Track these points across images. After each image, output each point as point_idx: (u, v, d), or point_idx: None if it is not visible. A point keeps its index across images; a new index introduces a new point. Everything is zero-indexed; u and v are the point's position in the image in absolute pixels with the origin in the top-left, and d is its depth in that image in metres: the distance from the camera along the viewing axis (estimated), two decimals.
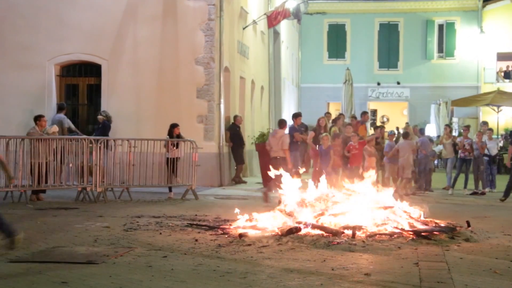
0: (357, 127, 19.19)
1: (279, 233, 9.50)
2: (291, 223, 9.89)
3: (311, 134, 18.01)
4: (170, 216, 11.93)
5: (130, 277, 6.98)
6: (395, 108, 39.26)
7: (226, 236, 9.68)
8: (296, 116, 18.73)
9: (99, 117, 17.03)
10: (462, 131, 20.49)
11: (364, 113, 20.56)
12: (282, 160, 14.54)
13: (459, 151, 18.78)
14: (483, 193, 18.09)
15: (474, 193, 18.04)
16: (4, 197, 13.80)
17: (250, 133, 21.71)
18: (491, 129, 20.16)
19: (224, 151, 18.91)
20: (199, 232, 10.07)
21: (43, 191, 14.38)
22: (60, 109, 17.19)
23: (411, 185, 17.76)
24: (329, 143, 16.20)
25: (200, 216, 12.07)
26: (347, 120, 20.80)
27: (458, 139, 19.55)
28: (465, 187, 18.39)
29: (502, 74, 37.06)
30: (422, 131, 20.19)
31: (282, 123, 15.73)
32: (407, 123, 28.84)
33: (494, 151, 19.04)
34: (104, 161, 14.53)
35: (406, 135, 18.02)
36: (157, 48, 18.32)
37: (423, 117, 33.78)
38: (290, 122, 18.90)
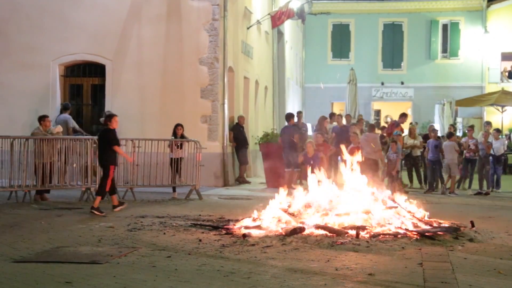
0: (392, 128, 19.18)
1: (283, 233, 9.50)
2: (295, 223, 9.89)
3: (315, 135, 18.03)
4: (174, 216, 11.94)
5: (134, 277, 6.98)
6: (399, 108, 39.07)
7: (230, 236, 9.69)
8: (292, 116, 18.96)
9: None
10: (466, 131, 20.40)
11: (403, 115, 20.28)
12: (374, 162, 16.21)
13: (464, 151, 18.75)
14: (487, 193, 18.05)
15: (479, 193, 18.01)
16: (8, 197, 13.82)
17: (254, 133, 21.71)
18: (497, 129, 20.11)
19: (228, 151, 18.92)
20: (203, 232, 10.08)
21: (47, 191, 14.40)
22: (65, 109, 17.22)
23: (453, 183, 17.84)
24: (313, 151, 16.26)
25: (204, 216, 12.07)
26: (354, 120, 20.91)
27: (462, 140, 19.50)
28: (469, 187, 18.35)
29: (507, 74, 37.00)
30: (450, 136, 19.34)
31: (372, 127, 17.40)
32: (411, 123, 28.82)
33: (500, 151, 19.03)
34: None
35: (450, 135, 18.29)
36: (161, 48, 18.34)
37: (427, 117, 33.74)
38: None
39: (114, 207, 12.75)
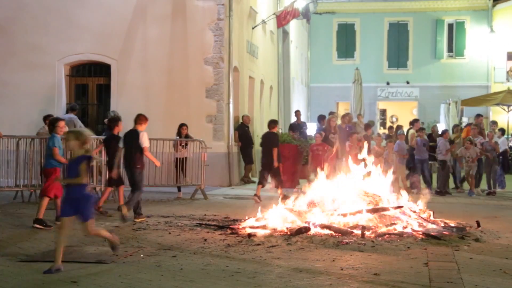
0: (469, 132, 19.08)
1: (288, 233, 9.50)
2: (300, 223, 9.89)
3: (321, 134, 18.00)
4: (179, 216, 11.95)
5: (140, 277, 6.99)
6: (404, 108, 39.17)
7: (235, 236, 9.69)
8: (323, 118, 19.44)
9: (106, 119, 17.03)
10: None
11: (479, 116, 20.04)
12: (443, 163, 17.68)
13: None
14: (493, 193, 17.96)
15: (489, 193, 17.92)
16: (14, 196, 13.86)
17: (259, 132, 21.69)
18: (501, 129, 19.99)
19: (233, 151, 18.91)
20: (208, 232, 10.09)
21: None
22: (72, 109, 17.23)
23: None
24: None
25: (209, 215, 12.08)
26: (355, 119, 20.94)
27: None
28: (476, 186, 18.28)
29: None
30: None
31: (446, 132, 18.71)
32: None
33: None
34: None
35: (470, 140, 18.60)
36: (166, 48, 18.34)
37: (433, 117, 33.67)
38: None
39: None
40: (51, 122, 11.35)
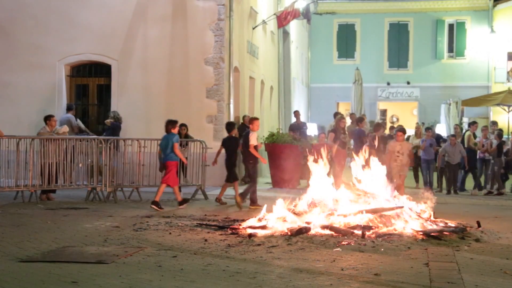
0: None
1: (289, 233, 9.50)
2: (300, 223, 9.88)
3: (331, 135, 17.97)
4: (179, 216, 11.95)
5: (140, 277, 6.99)
6: (405, 108, 39.17)
7: (236, 236, 9.69)
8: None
9: (107, 120, 17.05)
10: (481, 131, 19.98)
11: None
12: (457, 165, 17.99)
13: (478, 152, 18.57)
14: (490, 193, 17.91)
15: (490, 193, 17.88)
16: (14, 197, 13.86)
17: (259, 133, 21.66)
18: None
19: None
20: (208, 232, 10.08)
21: (53, 191, 14.44)
22: (68, 109, 17.30)
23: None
24: None
25: (209, 216, 12.08)
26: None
27: (476, 139, 19.23)
28: (485, 187, 18.24)
29: None
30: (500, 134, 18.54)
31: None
32: (417, 123, 28.78)
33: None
34: (113, 161, 14.56)
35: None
36: (166, 48, 18.33)
37: (433, 117, 33.68)
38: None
39: None
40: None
